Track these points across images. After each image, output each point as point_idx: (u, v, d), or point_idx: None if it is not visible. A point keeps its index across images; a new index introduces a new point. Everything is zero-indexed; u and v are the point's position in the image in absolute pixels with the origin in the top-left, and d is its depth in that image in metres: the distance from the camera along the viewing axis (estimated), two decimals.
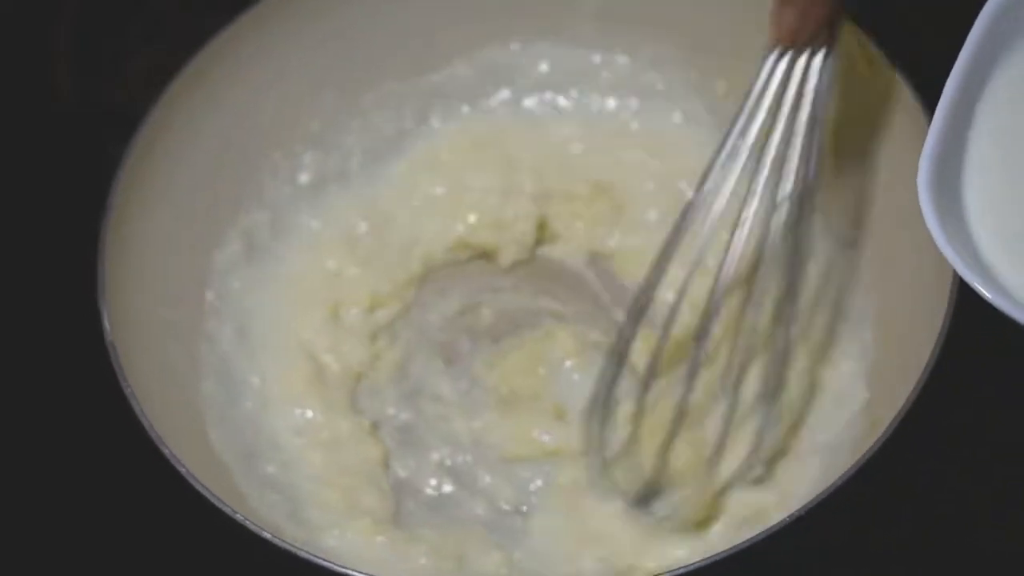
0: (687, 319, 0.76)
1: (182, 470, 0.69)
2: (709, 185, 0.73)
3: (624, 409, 0.77)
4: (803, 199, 0.73)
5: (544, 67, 0.91)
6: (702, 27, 0.87)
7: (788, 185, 0.73)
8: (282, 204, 0.87)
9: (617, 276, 0.87)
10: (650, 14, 0.88)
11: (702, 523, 0.76)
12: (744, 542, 0.66)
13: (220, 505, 0.68)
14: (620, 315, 0.83)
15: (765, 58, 0.73)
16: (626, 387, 0.76)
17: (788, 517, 0.67)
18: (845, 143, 0.81)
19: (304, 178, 0.88)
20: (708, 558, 0.66)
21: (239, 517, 0.68)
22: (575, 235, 0.88)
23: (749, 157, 0.73)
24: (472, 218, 0.88)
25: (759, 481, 0.77)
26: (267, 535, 0.67)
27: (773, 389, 0.76)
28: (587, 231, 0.88)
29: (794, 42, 0.72)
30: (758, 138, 0.73)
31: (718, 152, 0.73)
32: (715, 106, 0.87)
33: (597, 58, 0.90)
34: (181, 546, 0.80)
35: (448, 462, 0.81)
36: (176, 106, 0.82)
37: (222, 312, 0.83)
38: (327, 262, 0.87)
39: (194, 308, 0.83)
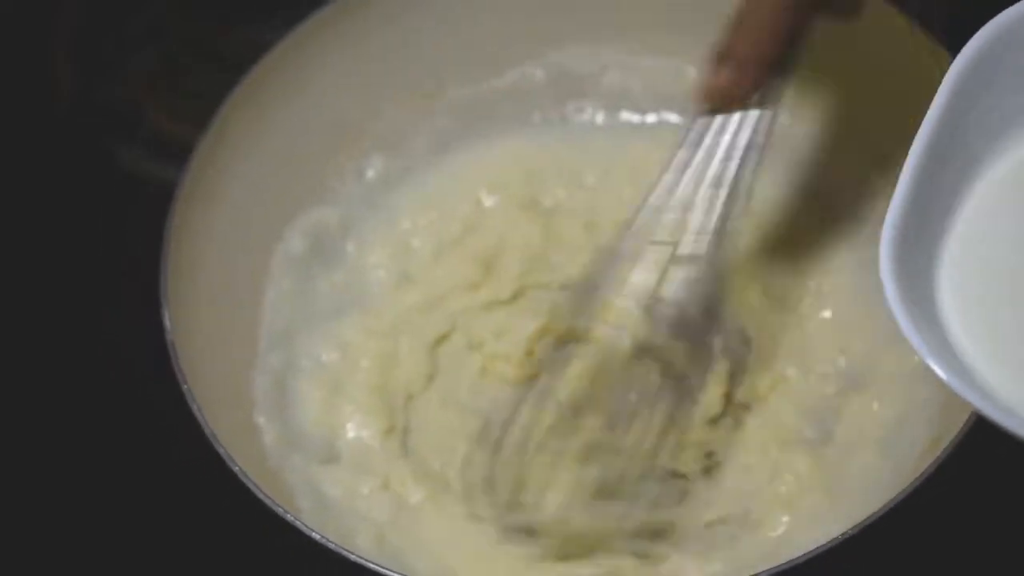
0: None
1: (235, 468, 0.68)
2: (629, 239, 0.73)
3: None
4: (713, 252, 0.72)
5: (614, 75, 0.89)
6: None
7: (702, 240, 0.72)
8: (346, 203, 0.86)
9: None
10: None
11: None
12: (795, 558, 0.65)
13: (272, 505, 0.67)
14: None
15: (694, 119, 0.72)
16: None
17: (841, 535, 0.65)
18: None
19: (371, 176, 0.87)
20: None
21: (289, 518, 0.67)
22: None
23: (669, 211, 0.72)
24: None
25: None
26: (316, 536, 0.67)
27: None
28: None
29: (728, 104, 0.71)
30: (680, 196, 0.72)
31: (639, 209, 0.73)
32: None
33: (673, 67, 0.88)
34: (230, 544, 0.79)
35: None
36: (243, 106, 0.81)
37: (282, 312, 0.83)
38: (393, 263, 0.86)
39: (255, 306, 0.82)
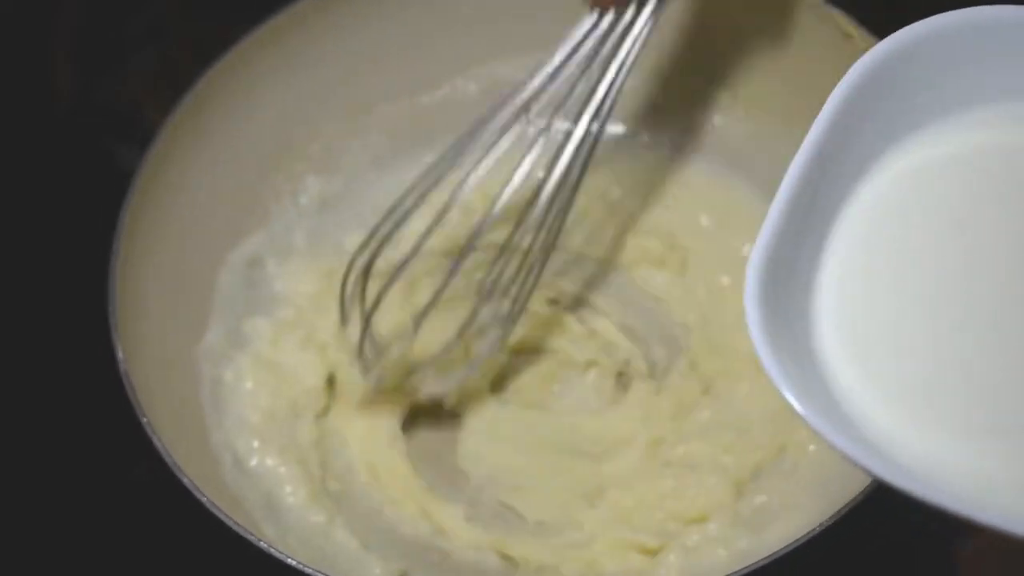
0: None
1: (202, 499, 0.69)
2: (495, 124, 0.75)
3: None
4: (581, 154, 0.76)
5: (551, 85, 0.89)
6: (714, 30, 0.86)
7: (574, 136, 0.76)
8: (285, 227, 0.87)
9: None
10: None
11: None
12: (773, 553, 0.66)
13: (244, 534, 0.68)
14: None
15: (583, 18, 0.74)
16: None
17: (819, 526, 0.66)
18: None
19: (307, 198, 0.88)
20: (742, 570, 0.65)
21: (263, 545, 0.68)
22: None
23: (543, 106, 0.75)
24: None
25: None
26: (291, 561, 0.67)
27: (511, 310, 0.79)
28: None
29: (607, 6, 0.74)
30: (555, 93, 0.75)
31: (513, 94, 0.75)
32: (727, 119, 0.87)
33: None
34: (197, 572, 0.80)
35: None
36: (177, 134, 0.81)
37: (227, 339, 0.83)
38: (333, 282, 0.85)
39: (202, 333, 0.82)
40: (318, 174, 0.88)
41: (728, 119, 0.87)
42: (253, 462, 0.78)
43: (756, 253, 0.54)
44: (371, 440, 0.80)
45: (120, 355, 0.73)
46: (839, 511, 0.66)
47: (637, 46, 0.75)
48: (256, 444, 0.79)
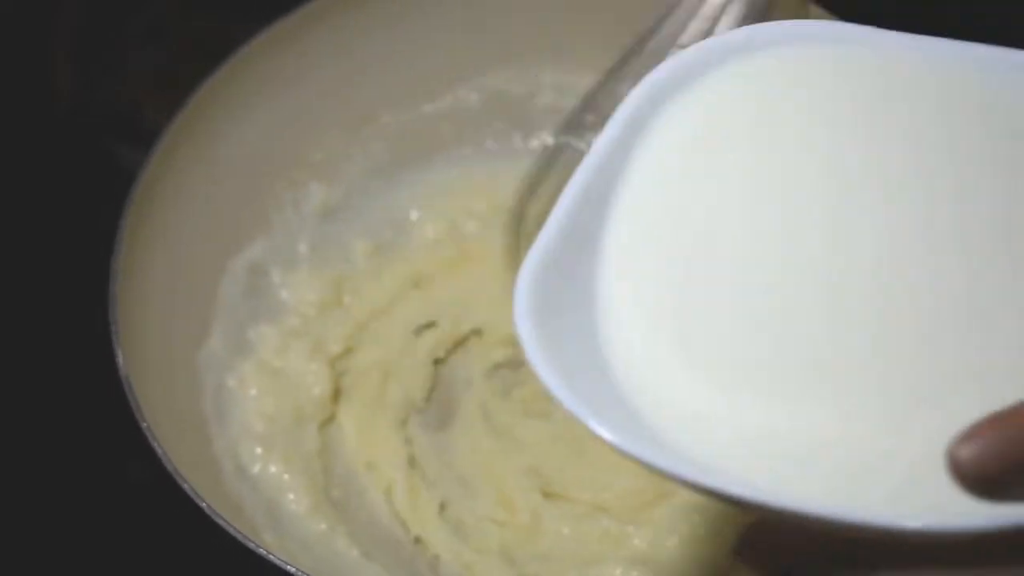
0: None
1: (202, 505, 0.68)
2: None
3: None
4: None
5: (549, 96, 0.89)
6: None
7: None
8: (288, 235, 0.86)
9: None
10: None
11: None
12: None
13: (244, 540, 0.67)
14: None
15: None
16: None
17: None
18: None
19: (308, 209, 0.87)
20: None
21: (261, 552, 0.67)
22: None
23: None
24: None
25: None
26: (291, 569, 0.66)
27: None
28: None
29: None
30: None
31: None
32: None
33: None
34: None
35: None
36: (179, 140, 0.81)
37: (230, 346, 0.82)
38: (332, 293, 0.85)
39: (204, 339, 0.82)
40: (321, 182, 0.87)
41: None
42: (256, 469, 0.78)
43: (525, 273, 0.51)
44: (374, 447, 0.80)
45: (120, 359, 0.73)
46: None
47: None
48: (259, 451, 0.79)
